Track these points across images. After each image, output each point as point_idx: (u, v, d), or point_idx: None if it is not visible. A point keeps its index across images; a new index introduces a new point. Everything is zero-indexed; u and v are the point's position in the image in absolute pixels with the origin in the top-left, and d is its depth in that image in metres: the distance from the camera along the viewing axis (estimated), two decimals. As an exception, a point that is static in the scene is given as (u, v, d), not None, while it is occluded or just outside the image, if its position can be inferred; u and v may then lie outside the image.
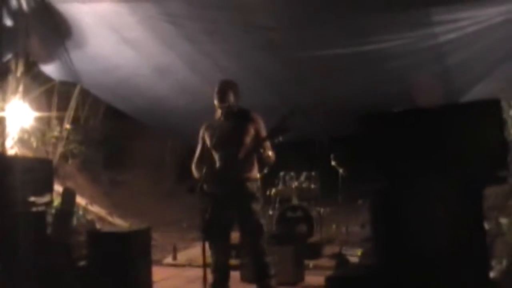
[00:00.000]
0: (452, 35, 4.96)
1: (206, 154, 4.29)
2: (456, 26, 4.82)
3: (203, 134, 4.32)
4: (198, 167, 4.25)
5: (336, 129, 7.32)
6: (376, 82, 6.20)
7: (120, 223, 8.19)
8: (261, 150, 4.00)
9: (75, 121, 8.61)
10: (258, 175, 4.26)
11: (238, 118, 4.18)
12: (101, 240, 5.08)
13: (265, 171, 5.75)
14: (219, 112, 4.24)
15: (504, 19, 4.67)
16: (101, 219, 7.99)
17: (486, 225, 3.57)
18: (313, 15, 5.02)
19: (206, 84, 6.40)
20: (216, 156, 4.21)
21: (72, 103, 8.16)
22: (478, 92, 5.93)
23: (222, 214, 4.11)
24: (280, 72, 6.24)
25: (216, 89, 4.19)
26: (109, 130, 10.25)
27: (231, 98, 4.17)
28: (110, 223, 8.11)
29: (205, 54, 5.86)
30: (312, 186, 7.60)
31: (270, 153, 4.07)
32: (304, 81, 6.52)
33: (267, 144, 4.03)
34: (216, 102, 4.17)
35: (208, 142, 4.25)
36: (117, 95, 7.20)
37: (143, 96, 7.02)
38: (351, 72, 6.08)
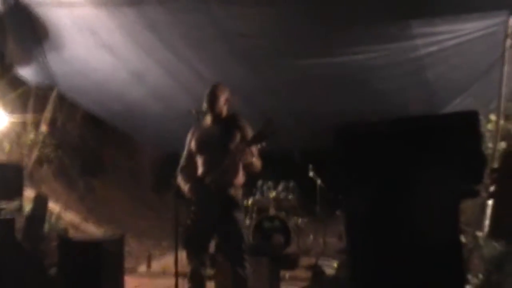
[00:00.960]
0: (433, 48, 4.98)
1: (191, 160, 4.21)
2: (437, 39, 4.85)
3: (191, 138, 4.24)
4: (183, 173, 4.17)
5: (311, 140, 7.33)
6: (354, 94, 6.21)
7: (94, 231, 8.05)
8: (245, 156, 3.92)
9: (51, 124, 8.45)
10: (242, 182, 4.17)
11: (226, 123, 4.11)
12: (72, 247, 4.94)
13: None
14: (208, 117, 4.17)
15: (483, 33, 4.72)
16: (75, 226, 7.84)
17: (463, 239, 3.56)
18: (291, 25, 5.00)
19: (183, 90, 6.36)
20: (200, 161, 4.12)
21: (49, 106, 8.01)
22: (457, 105, 5.98)
23: (203, 221, 4.02)
24: (255, 82, 6.22)
25: (207, 92, 4.11)
26: (87, 135, 10.10)
27: (222, 103, 4.11)
28: (84, 230, 7.96)
29: (182, 61, 5.80)
30: (290, 196, 7.56)
31: (254, 159, 4.00)
32: (280, 91, 6.52)
33: (253, 150, 3.96)
34: (205, 106, 4.09)
35: (193, 147, 4.17)
36: (93, 99, 7.11)
37: (119, 100, 6.93)
38: (329, 83, 6.08)
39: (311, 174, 7.34)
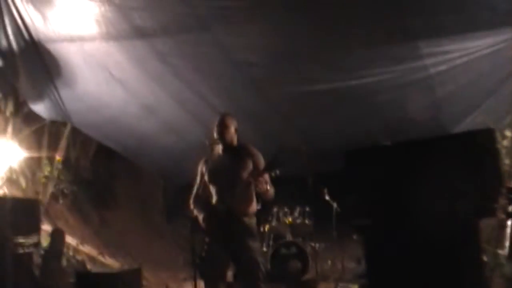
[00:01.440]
0: (442, 67, 5.00)
1: (204, 190, 4.20)
2: (446, 58, 4.86)
3: (202, 168, 4.24)
4: (197, 203, 4.16)
5: (324, 163, 7.31)
6: (364, 117, 6.22)
7: (111, 263, 8.01)
8: (259, 184, 3.92)
9: (65, 160, 8.51)
10: (255, 210, 4.16)
11: (237, 152, 4.12)
12: (90, 281, 4.95)
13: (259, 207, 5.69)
14: (218, 147, 4.18)
15: (492, 50, 4.72)
16: (92, 259, 7.81)
17: (484, 258, 3.50)
18: (300, 52, 5.05)
19: (194, 121, 6.39)
20: (213, 191, 4.13)
21: (63, 142, 8.09)
22: (469, 123, 5.94)
23: (218, 251, 4.00)
24: (264, 109, 6.25)
25: (216, 123, 4.13)
26: (99, 168, 10.15)
27: (231, 132, 4.12)
28: (101, 263, 7.92)
29: (193, 92, 5.87)
30: (306, 221, 7.50)
31: (268, 187, 3.99)
32: (289, 118, 6.52)
33: (266, 178, 3.95)
34: (216, 136, 4.11)
35: (206, 176, 4.17)
36: (106, 134, 7.17)
37: (131, 134, 7.00)
38: (337, 108, 6.09)
39: (326, 197, 7.29)
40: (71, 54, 5.41)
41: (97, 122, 6.73)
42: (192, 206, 4.15)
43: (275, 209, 7.62)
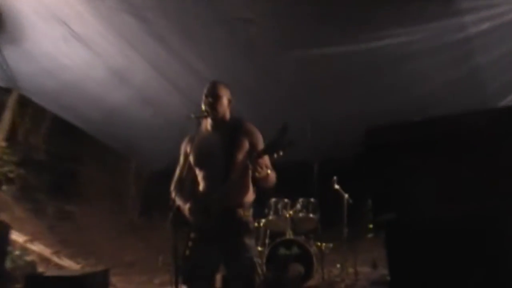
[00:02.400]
0: (484, 26, 4.95)
1: (189, 173, 4.19)
2: (490, 13, 4.80)
3: (186, 148, 4.22)
4: (179, 190, 4.15)
5: (334, 147, 7.30)
6: (387, 89, 6.20)
7: (69, 265, 8.05)
8: (258, 168, 3.90)
9: (11, 136, 8.47)
10: (252, 200, 4.15)
11: (230, 129, 4.09)
12: (42, 286, 4.94)
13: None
14: (206, 122, 4.16)
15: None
16: (45, 260, 7.85)
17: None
18: (304, 5, 5.00)
19: (175, 90, 6.35)
20: (200, 176, 4.11)
21: (7, 114, 8.03)
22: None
23: (206, 251, 4.00)
24: (261, 78, 6.21)
25: (205, 91, 4.10)
26: (56, 149, 10.13)
27: (224, 104, 4.10)
28: (56, 265, 7.97)
29: (173, 55, 5.82)
30: (311, 215, 7.53)
31: (269, 171, 3.98)
32: (294, 90, 6.49)
33: (266, 161, 3.94)
34: (204, 108, 4.08)
35: (191, 158, 4.15)
36: (64, 104, 7.15)
37: (97, 105, 6.98)
38: (354, 78, 6.07)
39: (336, 187, 7.31)
40: (18, 2, 5.33)
41: (52, 89, 6.69)
42: (173, 195, 4.14)
43: (272, 200, 7.63)
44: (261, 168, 3.81)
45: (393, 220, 2.62)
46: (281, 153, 3.73)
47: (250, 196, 4.09)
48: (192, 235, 4.01)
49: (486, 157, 2.50)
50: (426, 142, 2.59)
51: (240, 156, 3.96)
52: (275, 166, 3.99)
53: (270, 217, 7.55)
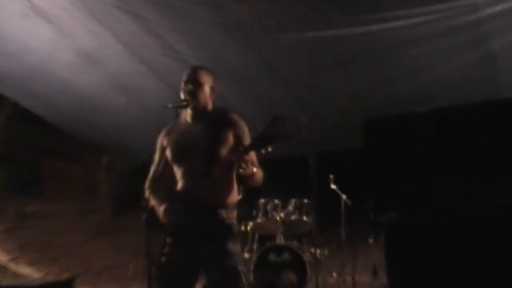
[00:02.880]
0: (499, 7, 4.98)
1: (166, 170, 4.20)
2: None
3: (162, 141, 4.23)
4: (154, 189, 4.16)
5: (331, 141, 7.32)
6: (390, 77, 6.23)
7: (29, 273, 8.05)
8: (243, 165, 3.91)
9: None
10: (236, 201, 4.17)
11: (212, 120, 4.10)
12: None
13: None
14: (186, 113, 4.17)
15: None
16: (2, 268, 7.86)
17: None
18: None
19: (152, 75, 6.35)
20: (178, 173, 4.12)
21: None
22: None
23: (184, 256, 4.02)
24: (251, 63, 6.24)
25: (184, 77, 4.11)
26: (16, 140, 10.11)
27: (206, 93, 4.11)
28: (14, 273, 7.97)
29: (151, 34, 5.82)
30: (304, 218, 7.55)
31: (255, 169, 3.99)
32: (285, 77, 6.51)
33: (252, 157, 3.96)
34: (183, 96, 4.09)
35: (168, 153, 4.17)
36: (26, 90, 7.12)
37: (63, 91, 6.97)
38: (353, 64, 6.10)
39: (332, 186, 7.34)
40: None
41: (11, 73, 6.67)
42: (148, 193, 4.15)
43: (261, 201, 7.65)
44: (246, 165, 3.82)
45: (394, 221, 2.65)
46: (269, 149, 3.73)
47: (235, 196, 4.11)
48: (168, 240, 4.01)
49: (497, 152, 2.52)
50: (430, 135, 2.61)
51: (224, 151, 3.97)
52: (264, 161, 4.01)
53: (259, 220, 7.57)
